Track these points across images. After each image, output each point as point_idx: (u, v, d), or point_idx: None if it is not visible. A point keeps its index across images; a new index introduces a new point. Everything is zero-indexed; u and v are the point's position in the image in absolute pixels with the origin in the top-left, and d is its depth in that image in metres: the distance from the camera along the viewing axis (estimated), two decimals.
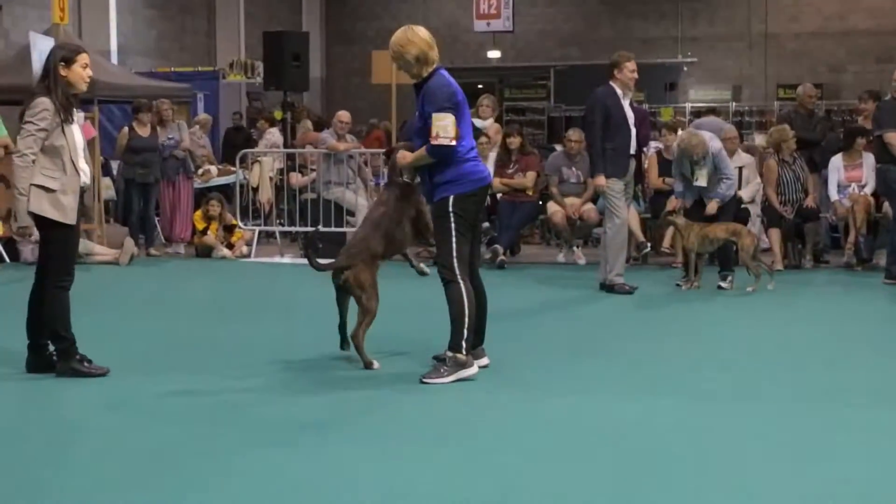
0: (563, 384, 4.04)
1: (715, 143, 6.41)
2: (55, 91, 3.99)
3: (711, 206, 6.41)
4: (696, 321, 5.56)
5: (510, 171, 7.91)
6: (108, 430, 3.41)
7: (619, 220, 6.30)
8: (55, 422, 3.59)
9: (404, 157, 4.17)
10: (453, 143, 3.93)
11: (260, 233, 8.75)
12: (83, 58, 4.09)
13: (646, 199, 8.01)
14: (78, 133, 4.10)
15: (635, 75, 6.30)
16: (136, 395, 3.83)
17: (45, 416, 3.68)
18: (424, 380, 3.98)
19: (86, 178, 4.14)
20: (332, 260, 4.42)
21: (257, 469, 2.98)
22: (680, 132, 8.28)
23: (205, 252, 8.33)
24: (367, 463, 3.03)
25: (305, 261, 8.48)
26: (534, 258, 8.16)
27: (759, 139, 10.20)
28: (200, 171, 9.42)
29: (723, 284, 6.48)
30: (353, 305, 4.33)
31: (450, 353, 4.01)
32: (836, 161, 7.58)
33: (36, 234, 4.17)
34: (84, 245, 7.42)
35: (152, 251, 8.43)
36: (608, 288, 6.32)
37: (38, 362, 4.16)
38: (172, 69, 12.77)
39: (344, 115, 8.68)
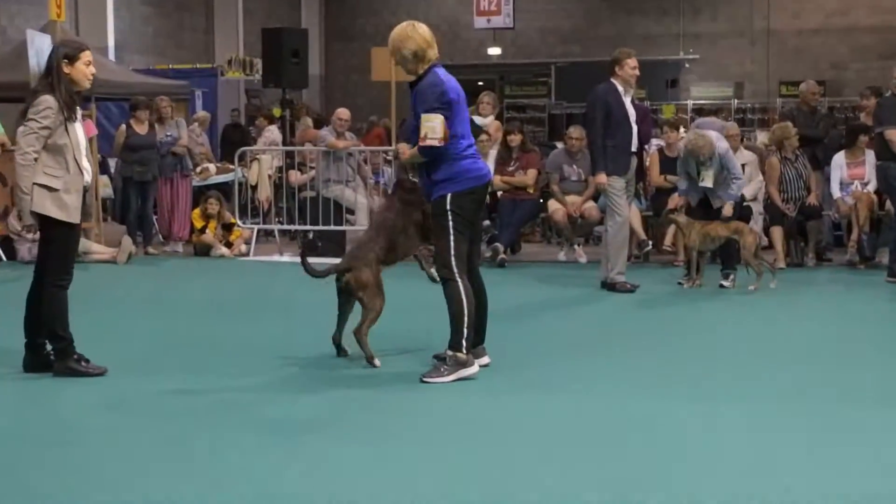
0: (564, 383, 4.02)
1: (722, 144, 6.40)
2: (58, 89, 3.97)
3: (727, 210, 6.40)
4: (698, 320, 5.55)
5: (511, 168, 7.88)
6: (106, 430, 3.40)
7: (620, 218, 6.28)
8: (53, 422, 3.58)
9: (404, 152, 4.17)
10: (441, 143, 3.93)
11: (259, 231, 8.72)
12: (86, 55, 4.08)
13: (647, 197, 7.97)
14: (81, 131, 4.09)
15: (636, 72, 6.28)
16: (134, 395, 3.82)
17: (42, 415, 3.67)
18: (425, 379, 3.96)
19: (88, 176, 4.12)
20: (330, 262, 4.43)
21: (257, 468, 2.98)
22: (682, 129, 8.24)
23: (203, 251, 8.30)
24: (366, 462, 3.03)
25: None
26: (534, 256, 8.15)
27: (762, 136, 10.15)
28: (199, 170, 9.38)
29: (725, 283, 6.45)
30: (355, 312, 4.32)
31: (450, 352, 3.99)
32: (839, 158, 7.55)
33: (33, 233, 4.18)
34: (82, 244, 7.38)
35: (150, 250, 8.40)
36: (609, 286, 6.29)
37: (36, 361, 4.15)
38: (170, 66, 12.74)
39: (343, 112, 8.64)
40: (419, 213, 4.26)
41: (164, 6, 14.53)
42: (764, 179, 7.63)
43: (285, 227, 9.04)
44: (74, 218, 4.01)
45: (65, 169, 3.99)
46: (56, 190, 3.97)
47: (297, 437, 3.28)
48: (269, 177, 9.44)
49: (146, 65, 12.81)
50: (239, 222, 8.53)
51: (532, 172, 7.84)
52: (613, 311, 5.76)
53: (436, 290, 4.19)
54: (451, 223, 3.97)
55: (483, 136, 7.49)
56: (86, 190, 4.11)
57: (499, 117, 9.10)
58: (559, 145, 8.71)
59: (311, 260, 4.45)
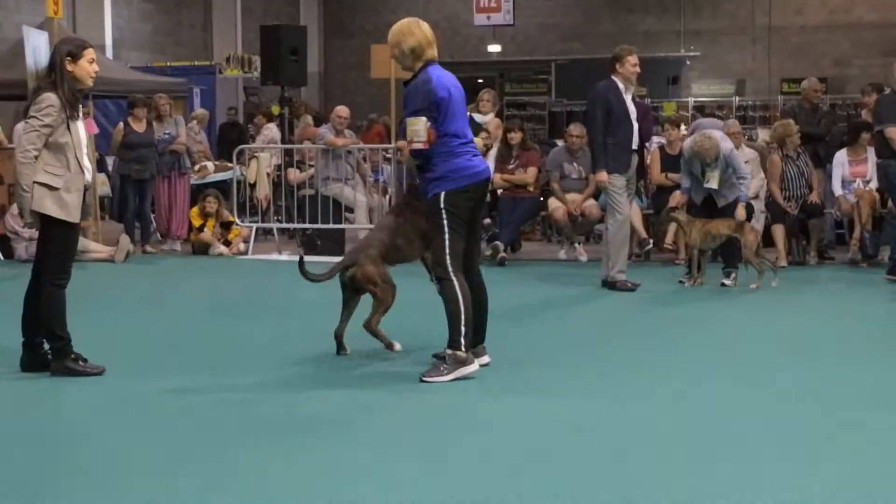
0: (564, 383, 4.01)
1: (726, 144, 6.38)
2: (61, 86, 3.96)
3: (740, 212, 6.38)
4: (699, 319, 5.53)
5: (511, 166, 7.85)
6: (105, 430, 3.38)
7: (621, 216, 6.25)
8: (51, 422, 3.56)
9: (404, 152, 4.17)
10: (426, 146, 3.95)
11: (257, 230, 8.71)
12: (89, 53, 4.07)
13: (648, 195, 7.94)
14: (82, 130, 4.08)
15: (637, 69, 6.26)
16: (132, 395, 3.81)
17: (40, 415, 3.65)
18: (424, 378, 3.94)
19: (89, 175, 4.11)
20: (331, 262, 4.42)
21: (256, 468, 2.97)
22: (683, 127, 8.20)
23: (201, 249, 8.27)
24: (366, 462, 3.02)
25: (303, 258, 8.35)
26: (535, 255, 8.13)
27: (763, 134, 10.12)
28: (197, 168, 9.34)
29: (726, 281, 6.43)
30: (359, 310, 4.31)
31: (449, 351, 3.98)
32: (841, 156, 7.53)
33: (31, 231, 4.17)
34: (79, 242, 7.35)
35: (148, 248, 8.37)
36: (610, 285, 6.27)
37: (33, 360, 4.13)
38: (168, 64, 12.71)
39: (342, 110, 8.61)
40: (424, 221, 4.25)
41: (162, 3, 14.49)
42: (765, 177, 7.59)
43: (284, 225, 9.02)
44: (74, 217, 4.00)
45: (66, 167, 3.97)
46: (56, 189, 3.95)
47: (296, 437, 3.27)
48: (268, 175, 9.41)
49: (144, 62, 12.77)
50: (237, 221, 8.50)
51: (532, 170, 7.82)
52: (614, 310, 5.75)
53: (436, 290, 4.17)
54: (444, 221, 3.97)
55: (483, 134, 7.44)
56: (86, 189, 4.10)
57: (499, 115, 9.06)
58: (559, 143, 8.70)
59: (310, 259, 4.44)
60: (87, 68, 4.03)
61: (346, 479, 2.86)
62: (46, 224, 3.99)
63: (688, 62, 16.69)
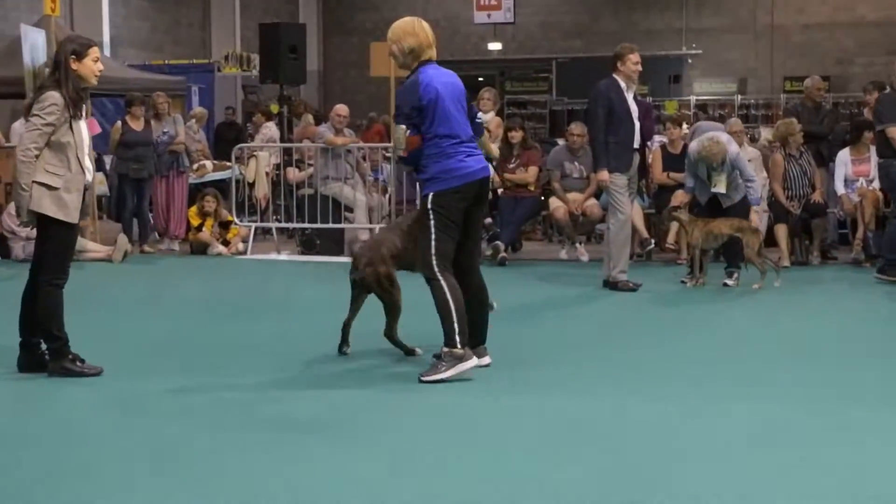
0: (565, 383, 4.00)
1: (733, 148, 6.35)
2: (66, 85, 3.94)
3: (754, 219, 6.35)
4: (701, 319, 5.51)
5: (512, 165, 7.80)
6: (103, 431, 3.37)
7: (622, 215, 6.22)
8: (48, 423, 3.54)
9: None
10: (405, 154, 4.04)
11: (256, 229, 8.66)
12: (94, 51, 4.06)
13: (650, 195, 7.89)
14: (85, 129, 4.07)
15: (639, 68, 6.23)
16: (130, 395, 3.79)
17: (38, 417, 3.63)
18: (423, 378, 3.93)
19: (90, 175, 4.09)
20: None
21: (255, 469, 2.96)
22: (684, 126, 8.14)
23: (200, 249, 8.24)
24: (366, 463, 3.01)
25: (302, 258, 8.39)
26: (535, 255, 8.10)
27: (766, 133, 10.07)
28: (195, 167, 9.29)
29: (728, 282, 6.40)
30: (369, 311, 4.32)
31: (445, 349, 3.97)
32: (844, 155, 7.50)
33: (28, 231, 4.15)
34: (77, 242, 7.32)
35: (146, 248, 8.32)
36: (611, 285, 6.25)
37: (31, 361, 4.11)
38: (166, 62, 12.67)
39: (342, 108, 8.57)
40: None
41: (160, 0, 14.44)
42: (768, 177, 7.54)
43: (283, 224, 8.99)
44: (73, 218, 3.97)
45: (66, 167, 3.96)
46: (56, 189, 3.94)
47: (296, 437, 3.27)
48: (267, 174, 9.37)
49: (142, 60, 12.74)
50: (236, 220, 8.47)
51: (533, 169, 7.79)
52: (615, 310, 5.72)
53: None
54: (431, 222, 3.97)
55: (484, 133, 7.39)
56: (86, 189, 4.08)
57: (499, 114, 9.03)
58: (560, 142, 8.68)
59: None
60: (91, 67, 4.02)
61: (346, 480, 2.85)
62: (45, 224, 3.98)
63: (689, 60, 16.65)
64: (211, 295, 6.51)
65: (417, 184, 4.23)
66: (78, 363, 4.03)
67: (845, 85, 15.30)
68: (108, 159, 9.26)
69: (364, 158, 8.73)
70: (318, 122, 10.31)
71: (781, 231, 7.29)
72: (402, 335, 4.37)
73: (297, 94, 13.54)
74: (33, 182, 3.91)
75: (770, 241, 7.15)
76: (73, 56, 3.98)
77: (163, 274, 7.47)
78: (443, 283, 3.95)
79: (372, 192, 8.68)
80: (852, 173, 7.43)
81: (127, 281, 7.01)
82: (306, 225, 8.32)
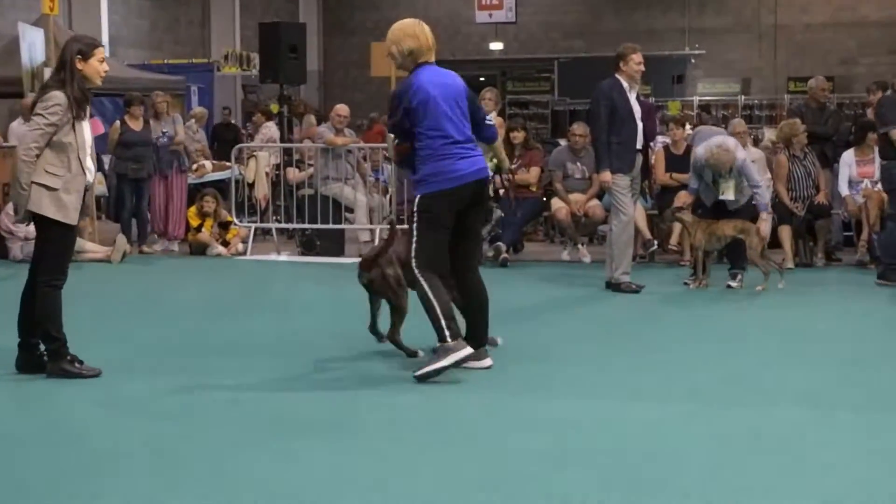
0: (567, 385, 3.99)
1: (740, 154, 6.31)
2: (71, 85, 3.94)
3: (764, 228, 6.31)
4: (704, 321, 5.49)
5: (514, 166, 7.74)
6: (102, 432, 3.37)
7: (625, 216, 6.19)
8: (48, 424, 3.53)
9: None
10: (396, 161, 4.06)
11: (256, 230, 8.62)
12: (100, 52, 4.06)
13: (652, 196, 7.84)
14: (88, 130, 4.07)
15: (641, 68, 6.20)
16: (129, 396, 3.79)
17: (37, 418, 3.62)
18: (416, 374, 3.92)
19: (91, 176, 4.08)
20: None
21: (255, 470, 2.96)
22: (688, 126, 8.08)
23: (199, 250, 8.21)
24: (366, 464, 3.01)
25: (302, 258, 8.33)
26: (537, 256, 8.07)
27: (769, 134, 10.00)
28: (195, 167, 9.24)
29: (732, 283, 6.37)
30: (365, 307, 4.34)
31: (438, 345, 3.97)
32: (848, 156, 7.47)
33: (26, 231, 4.13)
34: (76, 243, 7.29)
35: (145, 248, 8.28)
36: (614, 287, 6.21)
37: (29, 361, 4.10)
38: (166, 61, 12.63)
39: (342, 108, 8.53)
40: None
41: None
42: (772, 178, 7.50)
43: (283, 225, 8.95)
44: (71, 219, 3.96)
45: (66, 168, 3.95)
46: (55, 189, 3.93)
47: (296, 437, 3.27)
48: (267, 174, 9.32)
49: (141, 59, 12.71)
50: (236, 220, 8.43)
51: (535, 170, 7.76)
52: (618, 311, 5.70)
53: None
54: (415, 224, 4.01)
55: None
56: (86, 189, 4.07)
57: (501, 114, 8.97)
58: (562, 142, 8.66)
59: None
60: (96, 67, 4.01)
61: (346, 480, 2.85)
62: (44, 224, 3.97)
63: (692, 60, 16.60)
64: (210, 296, 6.49)
65: None
66: (76, 364, 4.02)
67: (849, 85, 15.23)
68: (106, 159, 9.21)
69: (365, 159, 8.69)
70: (319, 122, 10.26)
71: (785, 232, 7.25)
72: (405, 337, 4.35)
73: (297, 93, 13.51)
74: (32, 182, 3.91)
75: (774, 242, 7.11)
76: (79, 56, 3.98)
77: (162, 275, 7.44)
78: (423, 283, 3.97)
79: (373, 192, 8.63)
80: (856, 174, 7.40)
81: (125, 282, 6.99)
82: (306, 226, 8.27)
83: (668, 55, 15.85)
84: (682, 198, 6.55)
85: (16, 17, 10.05)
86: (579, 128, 7.66)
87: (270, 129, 10.41)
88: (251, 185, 9.31)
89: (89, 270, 7.11)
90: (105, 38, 12.02)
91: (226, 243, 8.26)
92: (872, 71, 14.38)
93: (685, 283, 6.44)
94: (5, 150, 7.90)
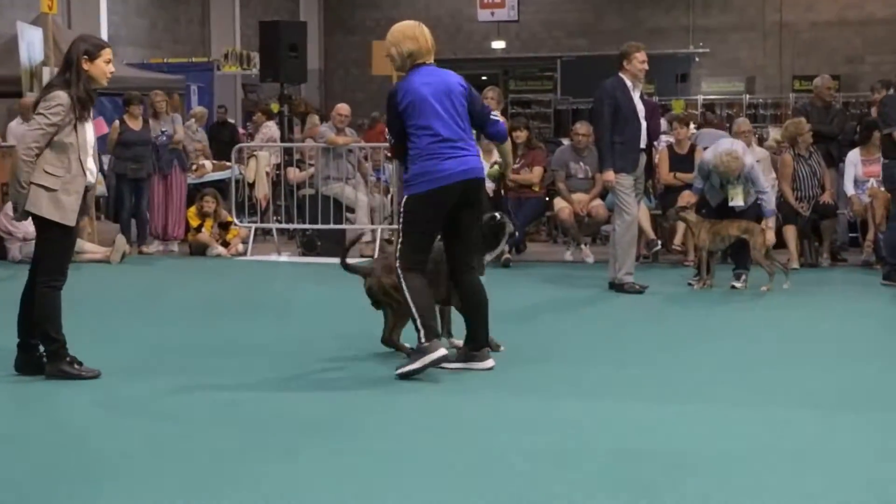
0: (569, 387, 3.97)
1: (748, 160, 6.28)
2: (76, 85, 3.93)
3: (770, 236, 6.28)
4: (708, 322, 5.47)
5: (516, 166, 7.70)
6: (102, 433, 3.36)
7: (628, 216, 6.16)
8: (47, 425, 3.52)
9: None
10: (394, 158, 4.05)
11: (256, 230, 8.59)
12: (107, 52, 4.05)
13: (656, 195, 7.79)
14: (90, 131, 4.08)
15: (645, 66, 6.18)
16: (128, 398, 3.78)
17: (36, 419, 3.61)
18: (397, 372, 3.95)
19: (91, 177, 4.07)
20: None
21: (255, 471, 2.95)
22: (692, 126, 8.02)
23: (199, 250, 8.18)
24: (366, 464, 3.01)
25: (303, 259, 8.28)
26: (540, 256, 8.06)
27: (774, 133, 9.95)
28: (195, 167, 9.19)
29: (736, 284, 6.34)
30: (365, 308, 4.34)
31: (416, 345, 4.02)
32: (853, 156, 7.45)
33: (25, 231, 4.10)
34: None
35: (144, 249, 8.23)
36: (617, 287, 6.18)
37: (28, 362, 4.08)
38: (165, 60, 12.58)
39: (343, 107, 8.49)
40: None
41: None
42: (777, 177, 7.44)
43: (284, 225, 8.92)
44: (69, 220, 3.95)
45: (66, 168, 3.94)
46: (53, 190, 3.92)
47: (296, 437, 3.27)
48: (267, 174, 9.28)
49: (140, 58, 12.67)
50: (236, 221, 8.40)
51: (537, 170, 7.73)
52: (621, 312, 5.69)
53: None
54: (401, 224, 4.05)
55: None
56: (87, 190, 4.06)
57: (503, 113, 8.90)
58: (565, 142, 8.63)
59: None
60: (103, 68, 4.00)
61: (346, 480, 2.85)
62: (43, 225, 3.96)
63: (697, 59, 16.53)
64: (210, 296, 6.47)
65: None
66: (76, 366, 4.01)
67: (855, 84, 15.15)
68: (105, 159, 9.18)
69: (366, 158, 8.66)
70: (322, 121, 10.21)
71: (790, 232, 7.21)
72: (403, 337, 4.35)
73: (297, 92, 13.47)
74: (31, 183, 3.90)
75: (779, 242, 7.06)
76: (86, 56, 3.96)
77: (161, 275, 7.43)
78: (403, 283, 3.99)
79: (374, 192, 8.59)
80: (862, 174, 7.37)
81: (125, 282, 6.98)
82: (307, 226, 8.23)
83: (672, 54, 15.78)
84: (686, 197, 6.52)
85: (14, 15, 10.02)
86: (582, 127, 7.64)
87: (271, 128, 10.37)
88: (251, 185, 9.26)
89: (88, 271, 7.08)
90: (104, 37, 11.94)
91: (226, 244, 8.23)
92: (878, 69, 14.30)
93: (689, 284, 6.41)
94: (4, 150, 7.86)
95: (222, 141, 10.59)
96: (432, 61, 4.09)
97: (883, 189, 7.25)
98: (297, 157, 8.95)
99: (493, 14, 16.08)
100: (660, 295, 6.11)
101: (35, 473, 2.93)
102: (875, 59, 15.42)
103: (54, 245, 3.96)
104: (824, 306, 5.94)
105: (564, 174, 7.65)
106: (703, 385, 3.97)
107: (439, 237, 4.16)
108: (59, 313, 3.97)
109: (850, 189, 7.36)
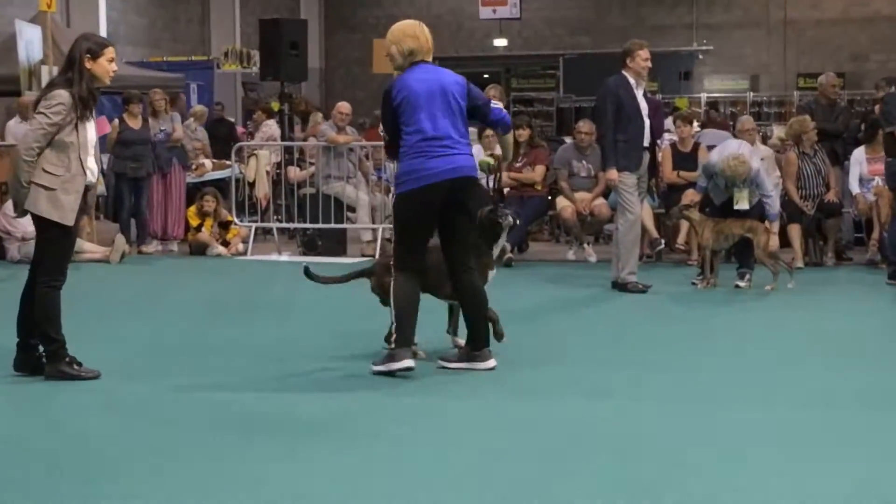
0: (572, 387, 3.96)
1: (754, 163, 6.24)
2: (78, 84, 3.93)
3: (774, 242, 6.25)
4: (712, 322, 5.47)
5: (518, 164, 7.68)
6: (102, 434, 3.36)
7: (631, 215, 6.13)
8: (47, 426, 3.52)
9: None
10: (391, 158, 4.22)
11: (256, 229, 8.55)
12: (110, 51, 4.05)
13: (659, 194, 7.74)
14: (92, 130, 4.08)
15: (648, 64, 6.16)
16: (128, 398, 3.78)
17: (36, 420, 3.61)
18: (372, 365, 4.02)
19: (92, 177, 4.08)
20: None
21: (255, 471, 2.96)
22: (695, 124, 7.97)
23: (199, 250, 8.16)
24: (366, 464, 3.01)
25: (304, 259, 8.26)
26: (542, 256, 8.03)
27: (778, 131, 9.90)
28: (194, 166, 9.15)
29: (740, 283, 6.32)
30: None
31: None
32: (858, 154, 7.42)
33: (24, 231, 4.07)
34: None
35: (144, 248, 8.20)
36: (620, 286, 6.17)
37: (27, 362, 4.07)
38: (165, 58, 12.56)
39: (344, 106, 8.45)
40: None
41: None
42: (781, 176, 7.39)
43: (284, 225, 8.89)
44: (68, 220, 3.95)
45: (66, 168, 3.93)
46: (52, 189, 3.91)
47: (296, 437, 3.28)
48: (268, 173, 9.23)
49: (140, 57, 12.65)
50: (236, 220, 8.36)
51: (540, 168, 7.70)
52: (624, 312, 5.68)
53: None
54: (394, 225, 4.08)
55: (487, 132, 7.25)
56: (87, 189, 4.06)
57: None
58: (568, 140, 8.60)
59: (311, 260, 4.44)
60: (105, 67, 3.99)
61: (346, 480, 2.85)
62: (42, 225, 3.96)
63: (700, 56, 16.48)
64: (210, 296, 6.46)
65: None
66: (75, 366, 4.00)
67: (860, 81, 15.08)
68: (105, 158, 9.14)
69: (367, 157, 8.63)
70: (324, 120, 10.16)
71: (795, 231, 7.18)
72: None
73: (298, 91, 13.42)
74: (31, 183, 3.90)
75: (783, 241, 7.01)
76: (88, 55, 3.95)
77: (161, 275, 7.42)
78: (393, 285, 4.02)
79: (375, 191, 8.56)
80: (867, 172, 7.33)
81: (124, 282, 6.97)
82: (308, 225, 8.20)
83: (676, 51, 15.74)
84: (690, 196, 6.50)
85: (13, 14, 9.99)
86: (585, 125, 7.62)
87: (271, 127, 10.32)
88: (252, 184, 9.22)
89: (88, 271, 7.07)
90: (103, 35, 11.95)
91: (226, 243, 8.20)
92: (884, 67, 14.26)
93: (693, 283, 6.39)
94: (2, 150, 7.83)
95: (219, 138, 10.54)
96: (430, 60, 4.09)
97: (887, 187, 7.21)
98: (297, 155, 8.90)
99: (494, 11, 16.01)
100: (663, 294, 6.10)
101: (35, 474, 2.92)
102: (880, 56, 15.35)
103: (54, 245, 3.96)
104: (829, 306, 5.92)
105: (567, 173, 7.62)
106: (706, 385, 3.96)
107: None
108: (58, 313, 3.97)
109: (855, 187, 7.33)
